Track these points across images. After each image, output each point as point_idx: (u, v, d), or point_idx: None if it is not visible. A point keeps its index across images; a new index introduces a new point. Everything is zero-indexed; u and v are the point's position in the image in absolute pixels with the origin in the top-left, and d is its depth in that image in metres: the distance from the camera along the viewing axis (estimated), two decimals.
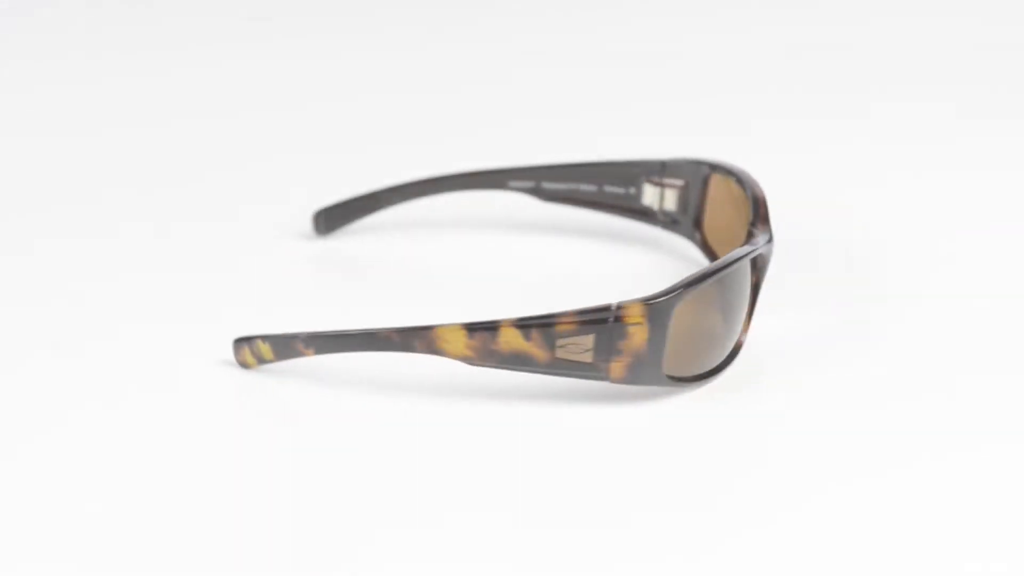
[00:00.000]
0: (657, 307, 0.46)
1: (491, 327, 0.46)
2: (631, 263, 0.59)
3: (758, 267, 0.50)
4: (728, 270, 0.48)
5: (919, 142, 0.76)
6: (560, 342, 0.46)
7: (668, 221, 0.59)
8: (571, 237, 0.62)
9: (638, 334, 0.46)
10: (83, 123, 0.79)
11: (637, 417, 0.47)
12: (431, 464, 0.45)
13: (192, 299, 0.56)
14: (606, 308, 0.46)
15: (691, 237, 0.59)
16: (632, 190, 0.60)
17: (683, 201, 0.58)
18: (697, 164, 0.57)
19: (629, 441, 0.46)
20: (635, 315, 0.46)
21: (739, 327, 0.50)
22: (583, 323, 0.46)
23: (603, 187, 0.60)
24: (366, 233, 0.63)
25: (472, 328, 0.46)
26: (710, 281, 0.47)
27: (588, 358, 0.46)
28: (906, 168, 0.72)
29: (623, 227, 0.61)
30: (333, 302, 0.57)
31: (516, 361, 0.46)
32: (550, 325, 0.46)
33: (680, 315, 0.47)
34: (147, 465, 0.45)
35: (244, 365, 0.50)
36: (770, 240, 0.50)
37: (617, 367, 0.46)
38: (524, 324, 0.46)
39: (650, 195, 0.59)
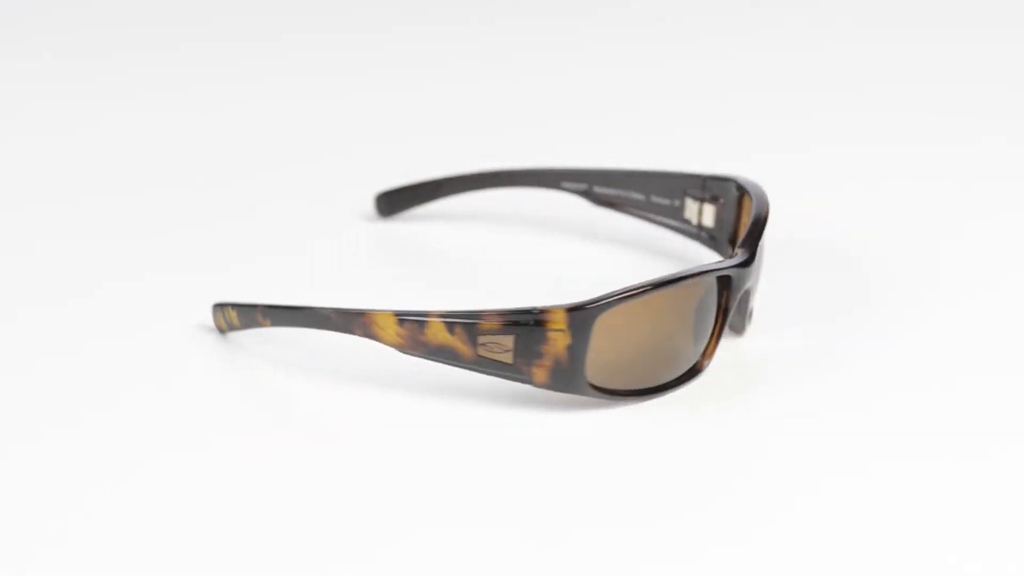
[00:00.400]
0: (579, 315, 0.45)
1: (420, 318, 0.46)
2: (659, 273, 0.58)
3: (729, 288, 0.48)
4: (669, 287, 0.46)
5: (915, 143, 0.76)
6: (482, 339, 0.45)
7: (706, 237, 0.57)
8: (613, 243, 0.61)
9: (559, 340, 0.45)
10: (178, 114, 0.82)
11: (631, 421, 0.47)
12: (430, 467, 0.45)
13: (245, 273, 0.59)
14: (527, 311, 0.45)
15: (726, 255, 0.57)
16: (676, 202, 0.58)
17: (720, 218, 0.56)
18: (731, 183, 0.55)
19: (622, 445, 0.46)
20: (556, 321, 0.45)
21: (698, 348, 0.48)
22: (504, 323, 0.45)
23: (650, 197, 0.59)
24: (424, 219, 0.65)
25: (402, 317, 0.46)
26: (648, 295, 0.46)
27: (508, 359, 0.46)
28: (904, 171, 0.72)
29: (667, 239, 0.60)
30: (375, 282, 0.59)
31: (443, 354, 0.46)
32: (473, 322, 0.45)
33: (609, 326, 0.45)
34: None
35: (219, 329, 0.51)
36: (745, 263, 0.48)
37: (540, 372, 0.46)
38: (449, 318, 0.45)
39: (691, 210, 0.57)
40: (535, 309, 0.45)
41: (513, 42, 0.95)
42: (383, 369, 0.49)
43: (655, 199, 0.59)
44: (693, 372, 0.48)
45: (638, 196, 0.59)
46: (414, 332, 0.46)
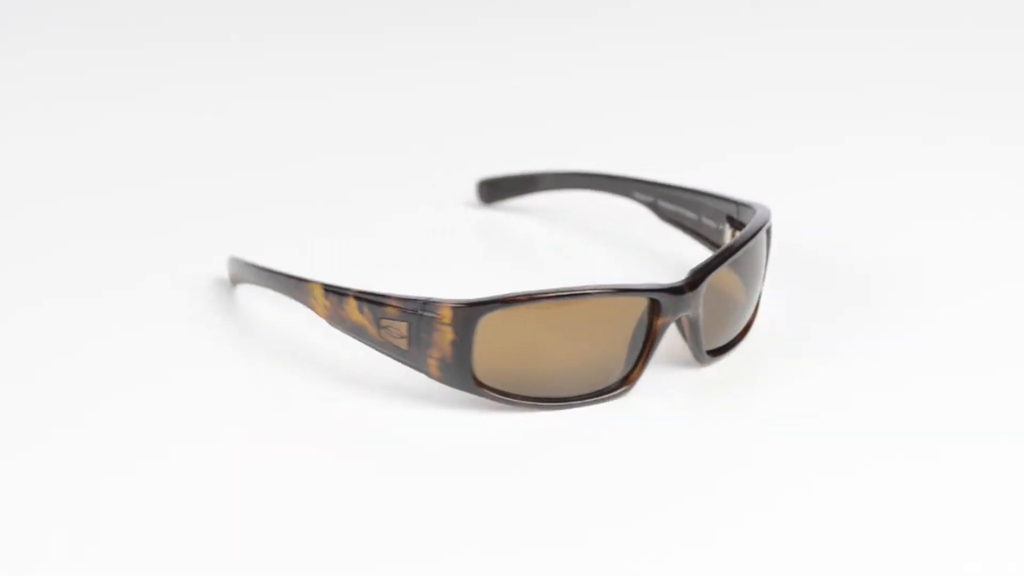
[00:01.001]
0: (462, 312, 0.46)
1: (341, 293, 0.48)
2: None
3: (658, 313, 0.47)
4: (566, 299, 0.46)
5: (908, 144, 0.76)
6: (383, 322, 0.47)
7: None
8: (662, 258, 0.61)
9: (445, 334, 0.46)
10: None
11: (623, 418, 0.47)
12: (427, 466, 0.45)
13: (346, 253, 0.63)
14: (415, 300, 0.47)
15: None
16: (720, 227, 0.57)
17: None
18: (751, 210, 0.54)
19: (614, 443, 0.46)
20: (443, 315, 0.46)
21: (618, 364, 0.48)
22: (400, 309, 0.47)
23: (701, 218, 0.59)
24: (520, 210, 0.67)
25: (328, 290, 0.49)
26: (537, 303, 0.46)
27: (403, 345, 0.47)
28: (899, 171, 0.72)
29: None
30: (462, 261, 0.62)
31: (357, 331, 0.48)
32: (378, 304, 0.47)
33: (498, 328, 0.46)
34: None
35: (232, 280, 0.56)
36: (676, 290, 0.47)
37: (432, 364, 0.47)
38: (361, 297, 0.48)
39: (727, 235, 0.57)
40: (423, 300, 0.46)
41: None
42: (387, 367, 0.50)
43: (705, 220, 0.58)
44: (610, 391, 0.48)
45: (692, 216, 0.59)
46: (335, 306, 0.49)
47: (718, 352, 0.51)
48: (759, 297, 0.53)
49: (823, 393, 0.48)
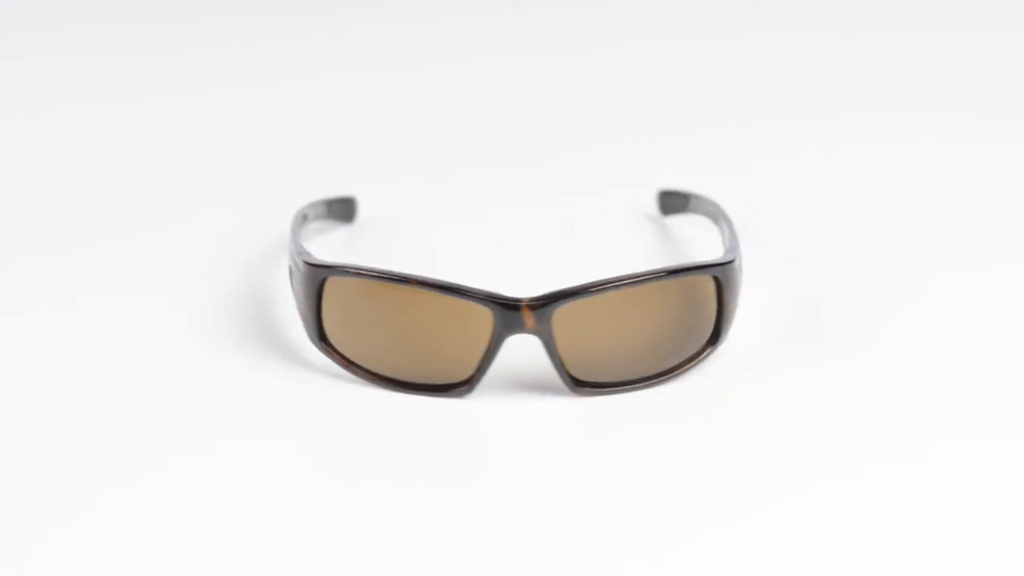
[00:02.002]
0: (312, 272, 0.49)
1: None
2: None
3: (494, 326, 0.48)
4: (405, 284, 0.48)
5: (895, 143, 0.77)
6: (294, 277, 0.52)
7: None
8: None
9: (302, 290, 0.50)
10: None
11: (612, 418, 0.48)
12: (422, 464, 0.46)
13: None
14: (300, 254, 0.50)
15: None
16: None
17: None
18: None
19: (605, 443, 0.47)
20: (304, 271, 0.50)
21: (466, 364, 0.49)
22: (293, 265, 0.51)
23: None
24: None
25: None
26: (383, 282, 0.48)
27: (300, 295, 0.51)
28: (885, 174, 0.73)
29: None
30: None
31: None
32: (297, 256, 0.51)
33: (346, 295, 0.49)
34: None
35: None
36: (512, 307, 0.48)
37: (299, 315, 0.51)
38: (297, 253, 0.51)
39: None
40: (301, 256, 0.50)
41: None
42: None
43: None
44: (449, 388, 0.49)
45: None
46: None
47: (603, 387, 0.49)
48: (704, 346, 0.50)
49: (812, 394, 0.49)
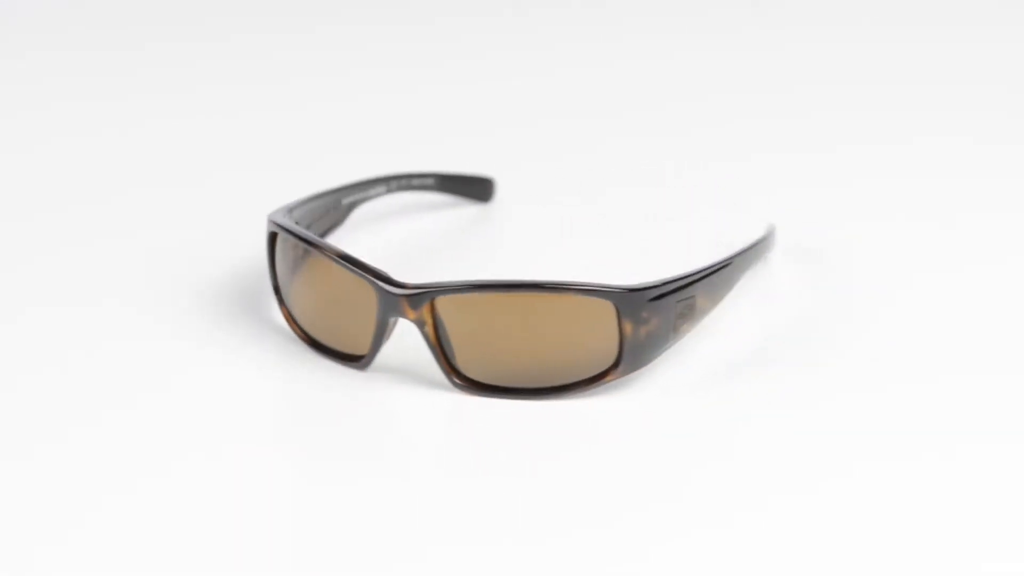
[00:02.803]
0: (268, 227, 0.52)
1: None
2: None
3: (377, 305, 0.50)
4: (325, 254, 0.50)
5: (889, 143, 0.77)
6: None
7: None
8: None
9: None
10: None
11: (599, 415, 0.48)
12: (417, 462, 0.47)
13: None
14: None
15: None
16: None
17: None
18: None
19: (593, 442, 0.47)
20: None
21: (365, 339, 0.50)
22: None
23: None
24: None
25: None
26: (320, 255, 0.51)
27: None
28: (885, 174, 0.73)
29: None
30: None
31: None
32: None
33: (285, 253, 0.53)
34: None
35: None
36: (395, 284, 0.49)
37: None
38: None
39: None
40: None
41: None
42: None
43: None
44: (349, 359, 0.51)
45: None
46: None
47: (489, 389, 0.49)
48: (607, 369, 0.49)
49: (798, 394, 0.50)
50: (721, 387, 0.50)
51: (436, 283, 0.48)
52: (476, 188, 0.71)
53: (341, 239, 0.62)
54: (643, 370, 0.49)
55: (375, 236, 0.65)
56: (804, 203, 0.69)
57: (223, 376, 0.51)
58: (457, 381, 0.49)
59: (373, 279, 0.49)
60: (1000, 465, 0.45)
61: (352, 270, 0.49)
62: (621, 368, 0.48)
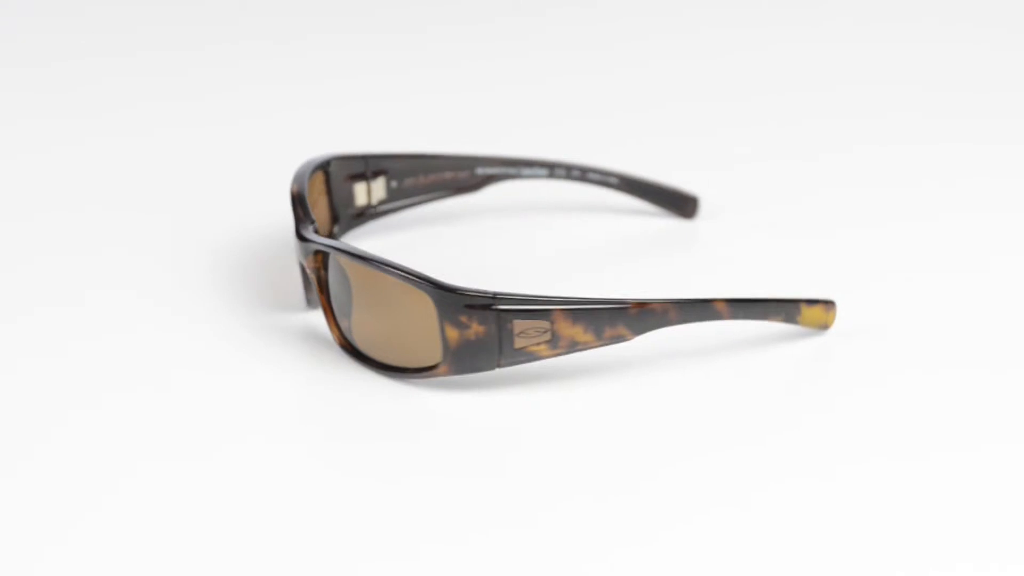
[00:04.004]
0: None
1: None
2: None
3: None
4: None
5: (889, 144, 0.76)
6: None
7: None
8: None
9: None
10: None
11: (589, 415, 0.49)
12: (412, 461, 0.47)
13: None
14: None
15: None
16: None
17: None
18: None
19: (583, 443, 0.48)
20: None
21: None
22: None
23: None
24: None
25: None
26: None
27: None
28: (877, 171, 0.72)
29: None
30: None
31: None
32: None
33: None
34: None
35: None
36: (299, 231, 0.52)
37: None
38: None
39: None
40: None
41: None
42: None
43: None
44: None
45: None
46: None
47: (360, 357, 0.52)
48: (435, 364, 0.50)
49: (791, 395, 0.51)
50: (711, 386, 0.51)
51: (332, 243, 0.51)
52: (676, 201, 0.66)
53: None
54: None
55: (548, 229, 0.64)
56: (811, 203, 0.67)
57: (235, 372, 0.52)
58: (337, 342, 0.52)
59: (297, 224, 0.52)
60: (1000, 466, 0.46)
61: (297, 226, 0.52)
62: (448, 367, 0.49)
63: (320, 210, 0.58)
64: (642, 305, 0.48)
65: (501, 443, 0.47)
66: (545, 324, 0.48)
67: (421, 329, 0.49)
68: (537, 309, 0.48)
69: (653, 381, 0.51)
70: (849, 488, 0.45)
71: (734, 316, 0.50)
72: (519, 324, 0.48)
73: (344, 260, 0.50)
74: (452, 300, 0.48)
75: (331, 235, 0.60)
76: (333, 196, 0.59)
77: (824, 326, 0.53)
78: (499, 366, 0.49)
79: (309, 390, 0.51)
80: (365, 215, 0.61)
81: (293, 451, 0.47)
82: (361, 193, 0.61)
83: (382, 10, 0.96)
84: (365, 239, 0.62)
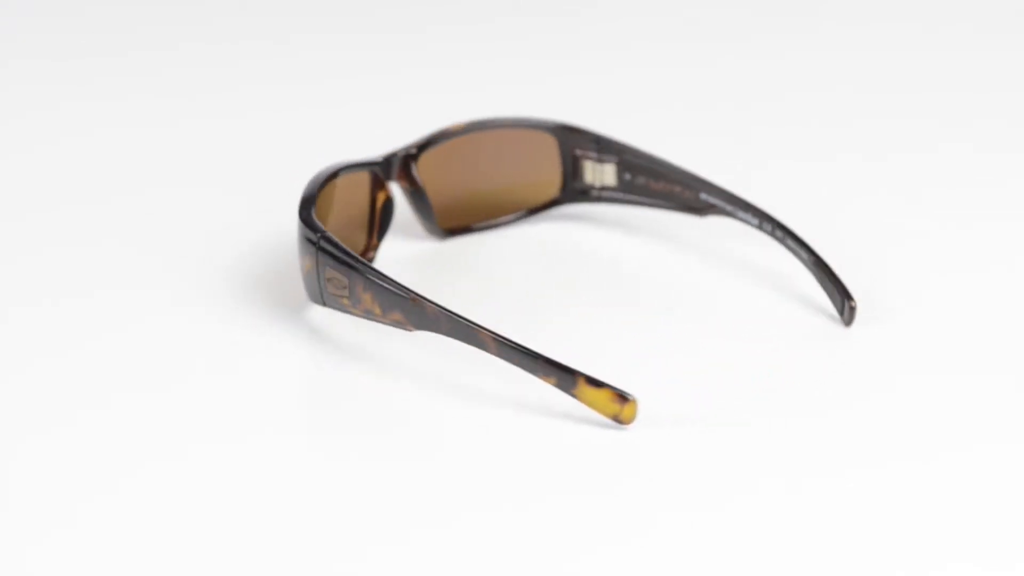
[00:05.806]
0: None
1: None
2: None
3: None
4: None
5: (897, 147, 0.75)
6: None
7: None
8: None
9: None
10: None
11: (580, 424, 0.49)
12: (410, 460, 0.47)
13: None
14: None
15: None
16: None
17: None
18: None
19: (574, 449, 0.48)
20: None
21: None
22: None
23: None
24: None
25: None
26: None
27: None
28: (877, 170, 0.72)
29: None
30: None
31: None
32: None
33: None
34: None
35: None
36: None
37: None
38: None
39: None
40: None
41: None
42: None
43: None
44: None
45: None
46: None
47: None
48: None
49: (788, 397, 0.50)
50: (712, 390, 0.51)
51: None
52: (839, 296, 0.56)
53: None
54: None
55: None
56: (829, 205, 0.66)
57: (242, 362, 0.52)
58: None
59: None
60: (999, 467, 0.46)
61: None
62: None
63: (548, 175, 0.63)
64: (417, 300, 0.50)
65: (499, 441, 0.48)
66: (344, 280, 0.51)
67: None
68: (342, 265, 0.51)
69: (649, 376, 0.50)
70: (859, 489, 0.45)
71: (500, 355, 0.49)
72: (328, 271, 0.51)
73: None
74: (303, 232, 0.52)
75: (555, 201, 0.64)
76: (565, 166, 0.63)
77: (615, 417, 0.47)
78: (324, 304, 0.53)
79: (311, 387, 0.52)
80: (589, 194, 0.64)
81: (295, 443, 0.48)
82: (589, 171, 0.63)
83: (382, 10, 0.95)
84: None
